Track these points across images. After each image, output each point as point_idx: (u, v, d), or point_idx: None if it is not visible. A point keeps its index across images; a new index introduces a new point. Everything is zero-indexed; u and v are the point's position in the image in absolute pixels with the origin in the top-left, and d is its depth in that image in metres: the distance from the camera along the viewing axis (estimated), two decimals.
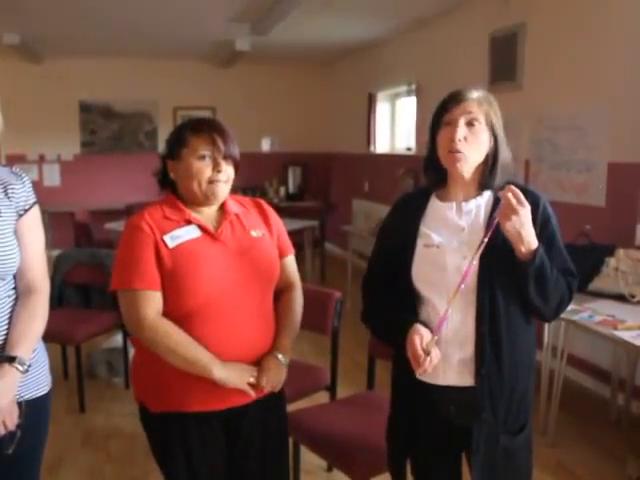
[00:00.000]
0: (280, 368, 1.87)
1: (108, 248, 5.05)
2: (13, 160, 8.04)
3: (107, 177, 9.02)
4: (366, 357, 2.86)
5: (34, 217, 1.76)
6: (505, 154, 1.73)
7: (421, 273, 1.73)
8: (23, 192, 1.73)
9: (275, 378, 1.85)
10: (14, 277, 1.72)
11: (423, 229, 1.76)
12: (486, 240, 1.56)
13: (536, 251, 1.59)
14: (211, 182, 1.80)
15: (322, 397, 3.02)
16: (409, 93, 6.86)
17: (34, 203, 1.76)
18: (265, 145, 9.41)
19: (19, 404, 1.67)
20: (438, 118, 1.72)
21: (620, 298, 3.22)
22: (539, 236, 1.62)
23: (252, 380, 1.81)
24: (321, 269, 7.49)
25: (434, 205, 1.79)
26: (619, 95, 3.90)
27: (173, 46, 7.80)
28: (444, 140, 1.69)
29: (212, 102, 9.00)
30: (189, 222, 1.83)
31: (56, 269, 4.16)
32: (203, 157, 1.80)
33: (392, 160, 7.31)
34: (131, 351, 3.97)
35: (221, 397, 1.81)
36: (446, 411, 1.77)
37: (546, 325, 3.38)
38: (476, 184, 1.75)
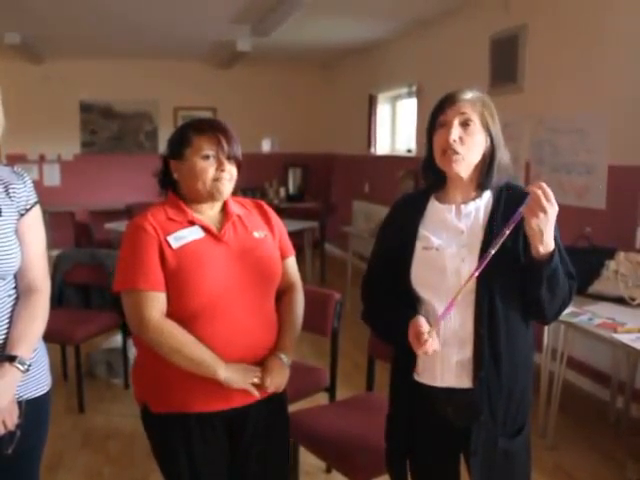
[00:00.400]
0: (283, 368, 1.87)
1: (108, 248, 5.05)
2: (13, 160, 7.99)
3: (107, 177, 9.02)
4: (366, 358, 2.86)
5: (35, 217, 1.76)
6: (502, 155, 1.73)
7: (420, 276, 1.73)
8: (24, 192, 1.73)
9: (279, 378, 1.85)
10: (15, 277, 1.72)
11: (422, 231, 1.76)
12: (508, 232, 1.54)
13: (553, 252, 1.57)
14: (215, 180, 1.81)
15: (321, 398, 3.02)
16: (410, 95, 6.86)
17: (35, 203, 1.76)
18: (265, 146, 9.41)
19: (19, 404, 1.67)
20: (433, 120, 1.73)
21: (620, 301, 3.22)
22: None
23: (256, 380, 1.81)
24: (321, 270, 7.48)
25: (433, 207, 1.79)
26: (620, 97, 3.90)
27: (174, 46, 7.81)
28: (439, 141, 1.70)
29: (213, 103, 9.00)
30: (192, 223, 1.84)
31: (56, 269, 4.16)
32: (207, 157, 1.81)
33: (392, 162, 7.31)
34: (130, 352, 4.00)
35: (223, 398, 1.81)
36: (444, 412, 1.77)
37: (546, 327, 3.38)
38: (474, 185, 1.75)
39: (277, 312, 1.96)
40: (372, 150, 7.89)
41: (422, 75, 6.53)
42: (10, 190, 1.70)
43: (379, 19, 6.25)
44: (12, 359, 1.63)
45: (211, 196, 1.84)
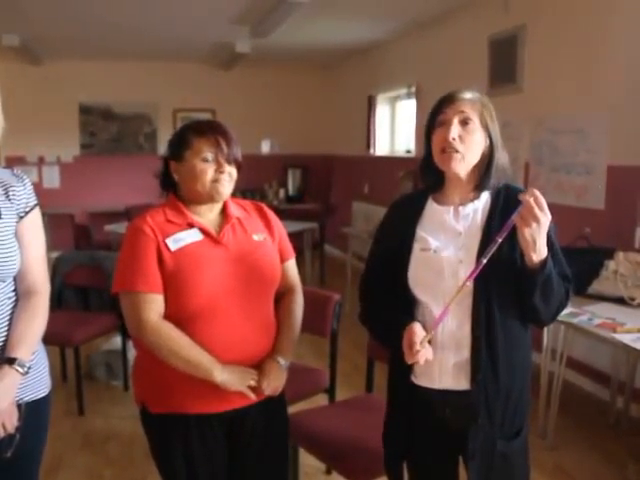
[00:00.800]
0: (281, 371, 1.87)
1: (107, 250, 5.05)
2: (12, 162, 8.03)
3: (107, 179, 9.02)
4: (365, 359, 2.86)
5: (35, 219, 1.76)
6: (501, 155, 1.73)
7: (417, 277, 1.73)
8: (24, 194, 1.73)
9: (276, 381, 1.85)
10: (14, 279, 1.72)
11: (420, 232, 1.75)
12: (500, 240, 1.53)
13: (546, 260, 1.56)
14: (214, 181, 1.81)
15: (321, 399, 3.02)
16: (409, 96, 6.87)
17: (35, 205, 1.76)
18: (265, 147, 9.41)
19: (18, 406, 1.67)
20: (432, 119, 1.73)
21: (620, 301, 3.22)
22: None
23: (253, 383, 1.81)
24: (320, 271, 7.48)
25: (431, 208, 1.79)
26: (619, 98, 3.91)
27: (173, 48, 7.81)
28: (438, 140, 1.70)
29: (212, 104, 9.00)
30: (191, 225, 1.84)
31: (55, 271, 4.16)
32: (206, 159, 1.81)
33: (392, 162, 7.31)
34: (130, 353, 3.99)
35: (222, 399, 1.81)
36: (442, 414, 1.76)
37: (545, 328, 3.37)
38: (472, 186, 1.74)
39: (276, 315, 1.96)
40: (371, 151, 7.89)
41: (421, 76, 6.54)
42: (10, 192, 1.70)
43: (378, 20, 6.25)
44: (12, 361, 1.63)
45: (210, 197, 1.84)
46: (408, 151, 7.16)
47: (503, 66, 5.03)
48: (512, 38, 4.88)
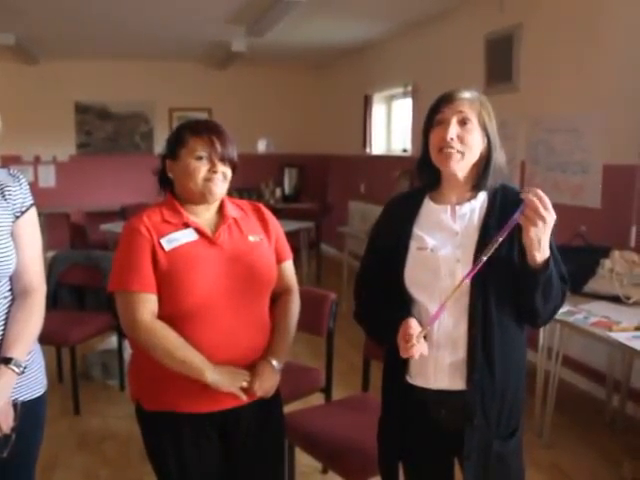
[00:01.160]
0: (273, 374, 1.87)
1: (103, 249, 5.05)
2: (8, 161, 8.01)
3: (103, 178, 9.00)
4: (361, 359, 2.86)
5: (31, 219, 1.76)
6: (498, 155, 1.73)
7: (414, 276, 1.72)
8: (20, 194, 1.73)
9: (268, 384, 1.85)
10: (10, 279, 1.71)
11: (416, 231, 1.75)
12: (501, 239, 1.52)
13: (548, 259, 1.56)
14: (207, 180, 1.81)
15: (317, 399, 3.02)
16: (405, 95, 6.87)
17: (31, 205, 1.76)
18: (261, 146, 9.39)
19: (14, 406, 1.67)
20: (430, 118, 1.72)
21: (615, 300, 3.22)
22: None
23: (244, 384, 1.81)
24: (317, 270, 7.48)
25: (428, 207, 1.78)
26: (615, 97, 3.91)
27: (169, 47, 7.80)
28: (436, 139, 1.69)
29: (208, 103, 8.99)
30: (187, 225, 1.84)
31: (51, 270, 4.15)
32: (200, 158, 1.82)
33: (388, 162, 7.31)
34: (126, 353, 3.98)
35: (213, 399, 1.81)
36: (438, 415, 1.76)
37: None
38: (470, 186, 1.74)
39: (271, 316, 1.96)
40: (368, 150, 7.90)
41: (417, 75, 6.54)
42: (6, 192, 1.69)
43: (374, 19, 6.25)
44: (7, 361, 1.63)
45: (203, 196, 1.84)
46: (404, 150, 7.16)
47: (499, 65, 5.04)
48: (508, 37, 4.89)
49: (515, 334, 1.72)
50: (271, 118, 9.29)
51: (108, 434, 3.60)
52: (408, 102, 6.84)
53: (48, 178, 8.89)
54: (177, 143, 1.85)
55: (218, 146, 1.81)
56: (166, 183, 1.92)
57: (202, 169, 1.81)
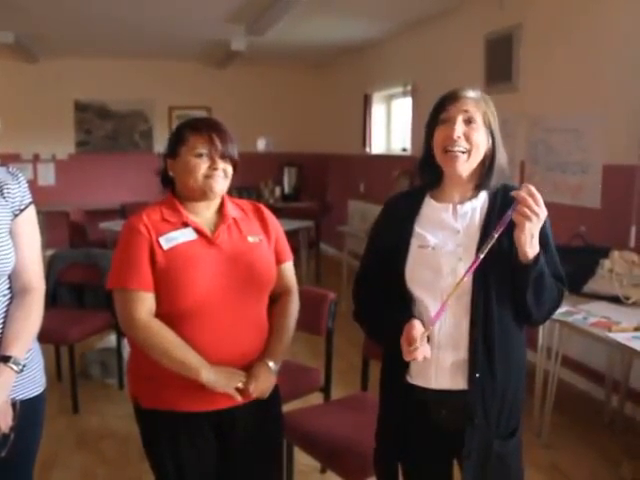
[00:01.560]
0: (269, 375, 1.86)
1: (103, 248, 5.04)
2: (7, 159, 7.98)
3: (102, 177, 8.99)
4: (361, 358, 2.86)
5: (30, 217, 1.75)
6: (502, 155, 1.73)
7: (415, 274, 1.71)
8: (19, 192, 1.72)
9: (263, 384, 1.84)
10: (9, 277, 1.71)
11: (418, 230, 1.74)
12: (496, 235, 1.54)
13: (538, 256, 1.57)
14: (207, 177, 1.81)
15: (316, 398, 3.02)
16: (405, 94, 6.86)
17: (30, 203, 1.76)
18: (260, 145, 9.39)
19: (13, 405, 1.66)
20: (435, 116, 1.71)
21: (615, 300, 3.23)
22: None
23: (240, 385, 1.80)
24: (316, 270, 7.48)
25: (429, 206, 1.77)
26: (614, 97, 3.91)
27: (169, 46, 7.79)
28: (441, 137, 1.68)
29: (207, 102, 8.98)
30: (186, 225, 1.84)
31: (50, 269, 4.15)
32: (200, 155, 1.82)
33: (388, 161, 7.31)
34: (125, 351, 3.98)
35: (210, 399, 1.81)
36: (438, 415, 1.75)
37: (540, 326, 3.38)
38: (472, 185, 1.73)
39: (270, 316, 1.96)
40: (367, 149, 7.89)
41: (417, 74, 6.54)
42: (4, 190, 1.69)
43: (374, 18, 6.25)
44: (6, 359, 1.62)
45: (203, 193, 1.84)
46: (404, 149, 7.16)
47: (499, 65, 5.03)
48: (508, 37, 4.88)
49: (515, 333, 1.72)
50: (271, 117, 9.29)
51: (107, 433, 3.60)
52: (408, 101, 6.83)
53: (47, 176, 8.88)
54: (177, 141, 1.85)
55: (218, 143, 1.81)
56: (168, 182, 1.92)
57: (202, 166, 1.81)
